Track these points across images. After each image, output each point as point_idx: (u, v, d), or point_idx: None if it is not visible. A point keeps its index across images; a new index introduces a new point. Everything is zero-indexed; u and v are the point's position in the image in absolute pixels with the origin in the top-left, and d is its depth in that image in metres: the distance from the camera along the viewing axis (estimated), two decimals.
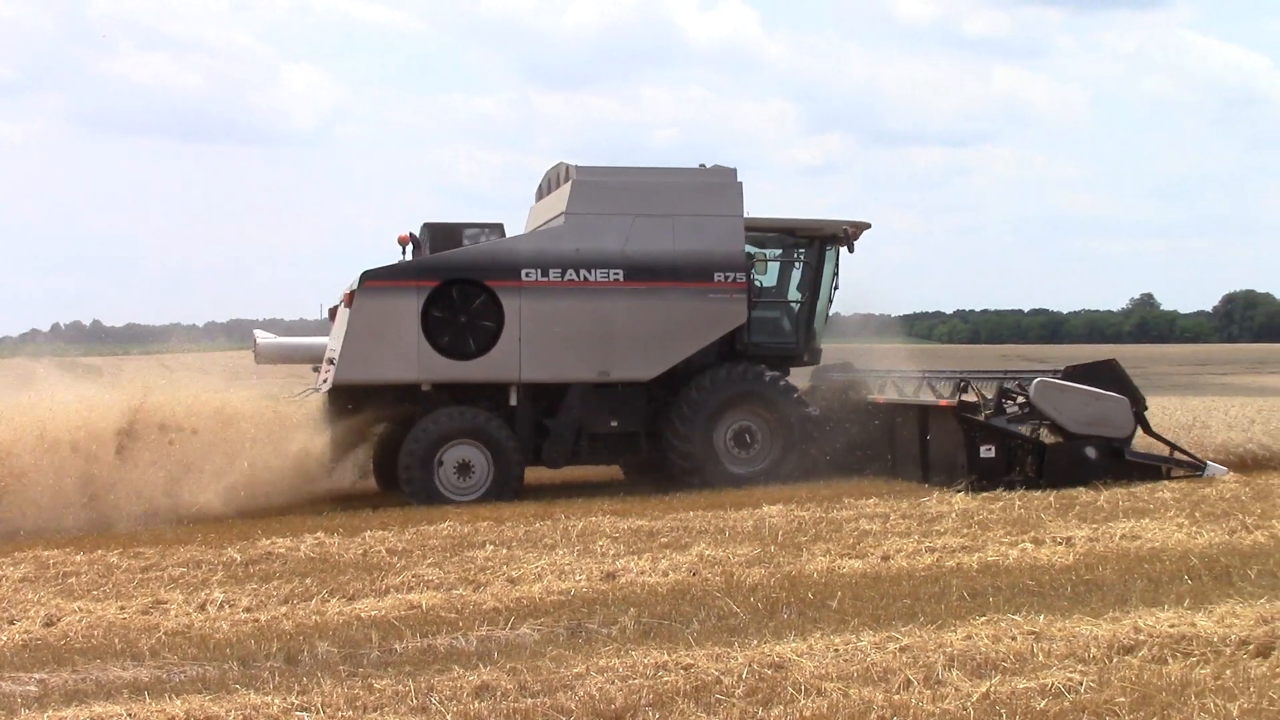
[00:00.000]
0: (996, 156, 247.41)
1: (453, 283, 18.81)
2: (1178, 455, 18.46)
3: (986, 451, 17.74)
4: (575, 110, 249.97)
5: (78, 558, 13.87)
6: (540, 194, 21.73)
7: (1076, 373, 18.42)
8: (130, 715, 7.92)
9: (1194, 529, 13.67)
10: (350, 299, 18.75)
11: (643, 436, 19.73)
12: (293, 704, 8.04)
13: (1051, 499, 16.17)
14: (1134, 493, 16.42)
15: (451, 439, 18.66)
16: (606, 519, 15.61)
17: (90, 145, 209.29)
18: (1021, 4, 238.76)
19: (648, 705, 7.83)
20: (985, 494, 16.77)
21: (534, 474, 19.83)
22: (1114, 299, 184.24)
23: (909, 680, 8.13)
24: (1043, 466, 17.76)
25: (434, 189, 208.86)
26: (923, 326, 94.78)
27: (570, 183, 19.41)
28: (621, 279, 19.22)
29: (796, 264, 21.07)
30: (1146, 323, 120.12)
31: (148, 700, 8.20)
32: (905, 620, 9.79)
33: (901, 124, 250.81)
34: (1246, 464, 19.03)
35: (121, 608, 11.30)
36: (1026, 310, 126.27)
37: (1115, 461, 17.87)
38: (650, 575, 12.10)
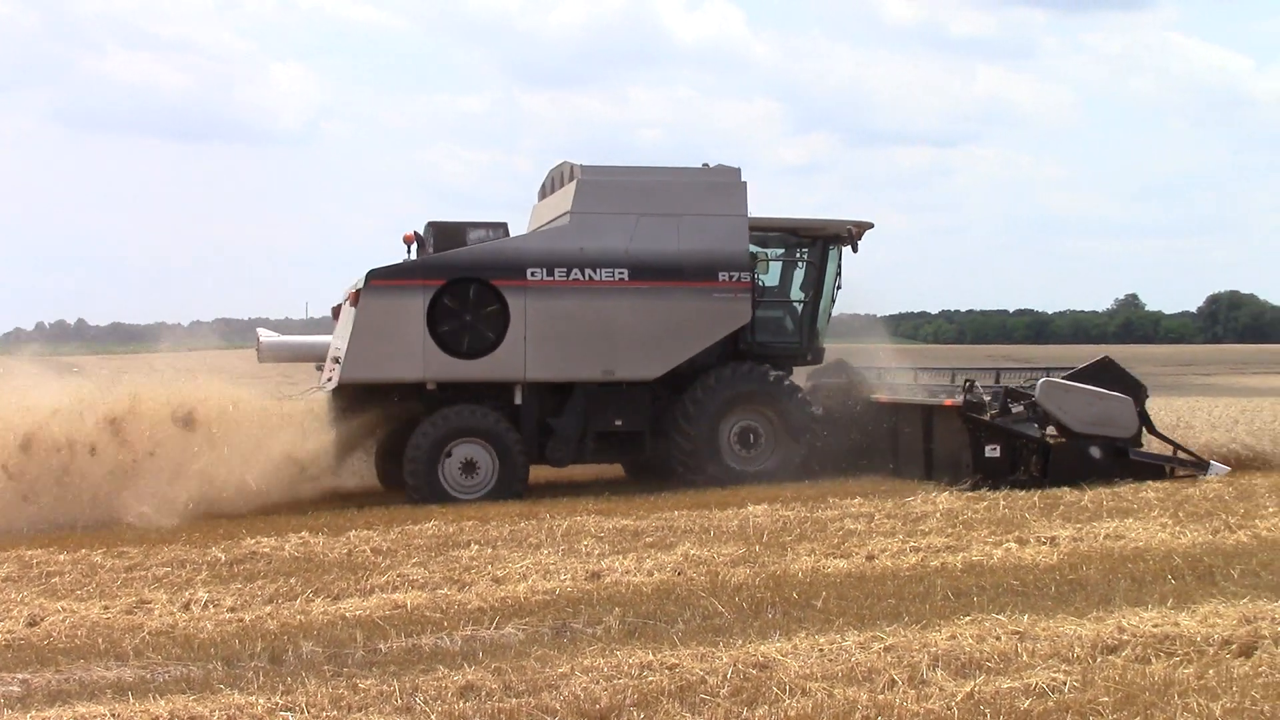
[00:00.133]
0: (982, 157, 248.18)
1: (458, 282, 18.85)
2: (1181, 455, 18.59)
3: (992, 451, 17.83)
4: (561, 110, 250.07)
5: (61, 557, 13.82)
6: (543, 193, 21.75)
7: (1081, 374, 18.54)
8: (114, 715, 7.90)
9: (1178, 529, 13.71)
10: (356, 298, 18.77)
11: (647, 435, 19.78)
12: (277, 704, 8.03)
13: (1036, 499, 16.20)
14: (1118, 493, 16.46)
15: (457, 437, 18.69)
16: (591, 518, 15.61)
17: (76, 144, 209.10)
18: (1007, 5, 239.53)
19: (632, 705, 7.83)
20: (971, 494, 16.81)
21: (536, 473, 19.82)
22: (1099, 299, 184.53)
23: (893, 680, 8.14)
24: (1047, 466, 17.87)
25: (420, 188, 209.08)
26: (908, 326, 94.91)
27: (575, 182, 19.46)
28: (626, 278, 19.28)
29: (799, 263, 21.16)
30: (1131, 323, 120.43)
31: (131, 700, 8.18)
32: (890, 620, 9.80)
33: (887, 124, 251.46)
34: (1230, 464, 19.09)
35: (105, 607, 11.26)
36: (1012, 311, 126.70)
37: (1119, 461, 17.97)
38: (635, 575, 12.10)
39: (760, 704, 7.79)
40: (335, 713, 7.89)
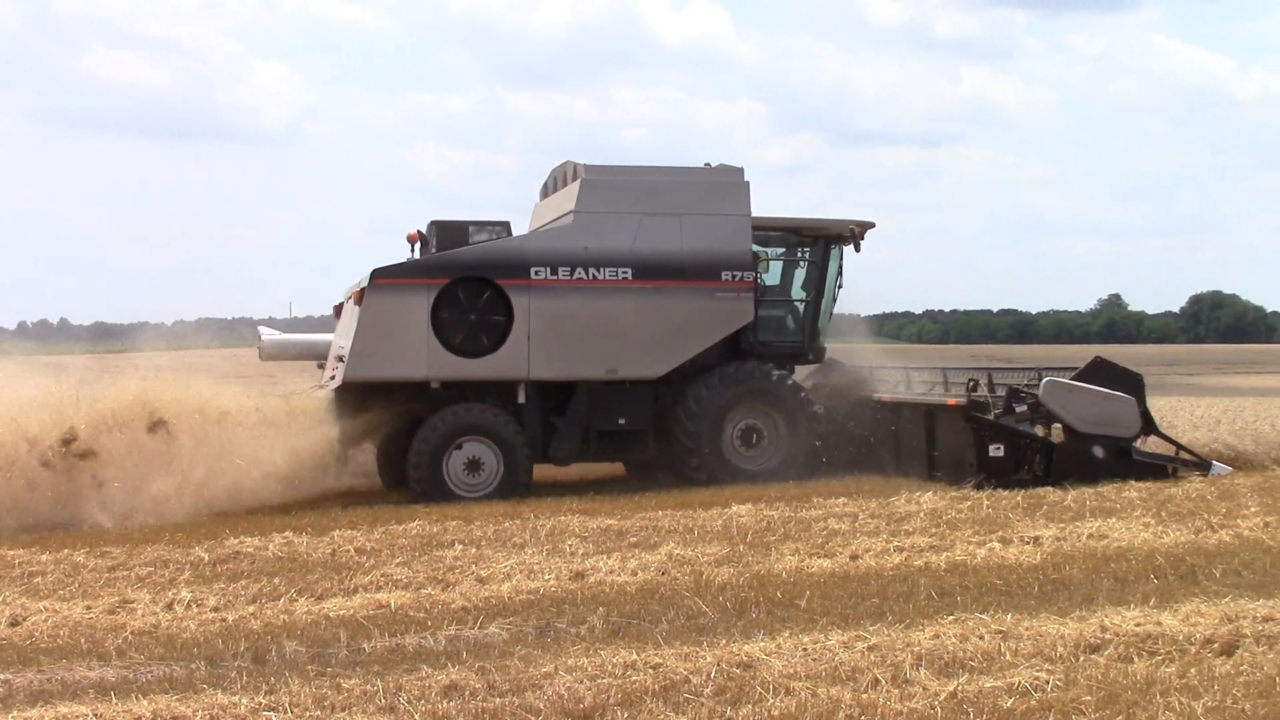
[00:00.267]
0: (965, 157, 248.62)
1: (462, 281, 18.89)
2: (1183, 455, 18.70)
3: (995, 450, 17.94)
4: (546, 109, 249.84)
5: (44, 557, 13.78)
6: (545, 192, 21.78)
7: (1084, 373, 18.63)
8: (96, 715, 7.87)
9: (1160, 528, 13.76)
10: (360, 296, 18.79)
11: (650, 434, 19.84)
12: (260, 704, 8.01)
13: (1019, 498, 16.25)
14: (1101, 492, 16.52)
15: (461, 436, 18.72)
16: (575, 518, 15.61)
17: (59, 143, 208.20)
18: (990, 6, 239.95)
19: (616, 705, 7.83)
20: (954, 493, 16.84)
21: (536, 472, 19.73)
22: (1082, 299, 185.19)
23: (877, 679, 8.15)
24: (1050, 465, 17.95)
25: (405, 187, 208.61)
26: (892, 326, 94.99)
27: (579, 181, 19.49)
28: (630, 278, 19.32)
29: (801, 263, 21.24)
30: (1114, 323, 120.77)
31: (114, 700, 8.16)
32: (873, 619, 9.82)
33: (871, 125, 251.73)
34: (1230, 464, 19.22)
35: (88, 607, 11.22)
36: (996, 311, 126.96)
37: (1122, 460, 18.06)
38: (619, 574, 12.10)
39: (744, 703, 7.79)
40: (318, 712, 7.88)
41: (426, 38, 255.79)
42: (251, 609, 11.06)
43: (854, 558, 12.69)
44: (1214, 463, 18.71)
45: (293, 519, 16.19)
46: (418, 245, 19.60)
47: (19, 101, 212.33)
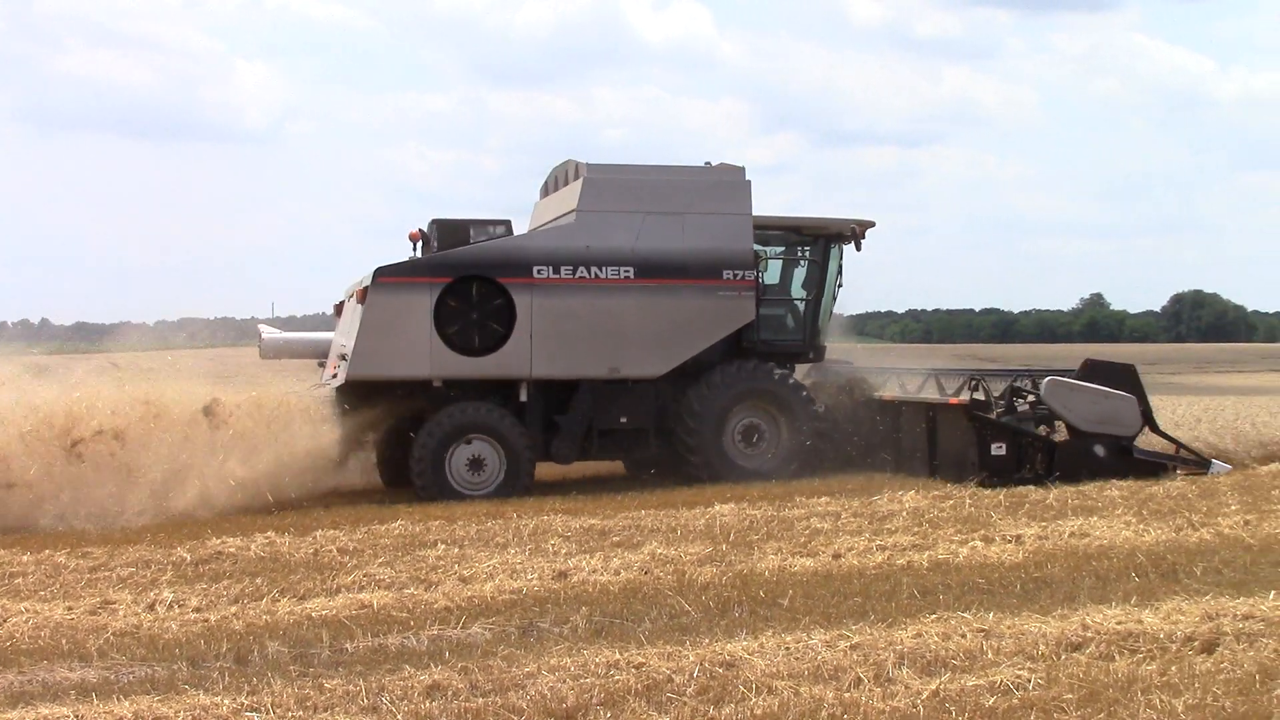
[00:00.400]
0: (947, 157, 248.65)
1: (465, 279, 18.93)
2: (1183, 454, 18.81)
3: (997, 449, 18.03)
4: (528, 109, 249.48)
5: (24, 557, 13.73)
6: (545, 191, 21.82)
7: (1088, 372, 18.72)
8: (77, 717, 7.85)
9: (1141, 527, 13.81)
10: (363, 295, 18.82)
11: (651, 432, 19.87)
12: (242, 704, 8.00)
13: (1001, 497, 16.30)
14: (1083, 491, 16.57)
15: (464, 435, 18.74)
16: (558, 518, 15.60)
17: (39, 142, 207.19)
18: (972, 5, 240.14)
19: (599, 704, 7.83)
20: (936, 492, 16.88)
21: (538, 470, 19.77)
22: (1064, 299, 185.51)
23: (859, 678, 8.16)
24: (1052, 464, 18.03)
25: (387, 187, 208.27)
26: (874, 326, 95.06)
27: (581, 180, 19.54)
28: (632, 276, 19.38)
29: (801, 262, 21.32)
30: (1096, 322, 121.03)
31: (95, 701, 8.14)
32: (856, 618, 9.84)
33: (853, 124, 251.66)
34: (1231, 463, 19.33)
35: (69, 608, 11.19)
36: (978, 310, 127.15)
37: (1123, 459, 18.15)
38: (602, 574, 12.10)
39: (727, 702, 7.80)
40: (301, 713, 7.87)
41: (409, 37, 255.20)
42: (234, 609, 11.04)
43: (837, 557, 12.71)
44: (1214, 461, 18.82)
45: (275, 519, 16.16)
46: (419, 244, 19.65)
47: (1, 101, 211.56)
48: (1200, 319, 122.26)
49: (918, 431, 19.53)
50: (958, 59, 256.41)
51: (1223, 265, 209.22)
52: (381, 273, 18.81)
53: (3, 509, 16.67)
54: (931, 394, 20.18)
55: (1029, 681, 8.00)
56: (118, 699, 8.15)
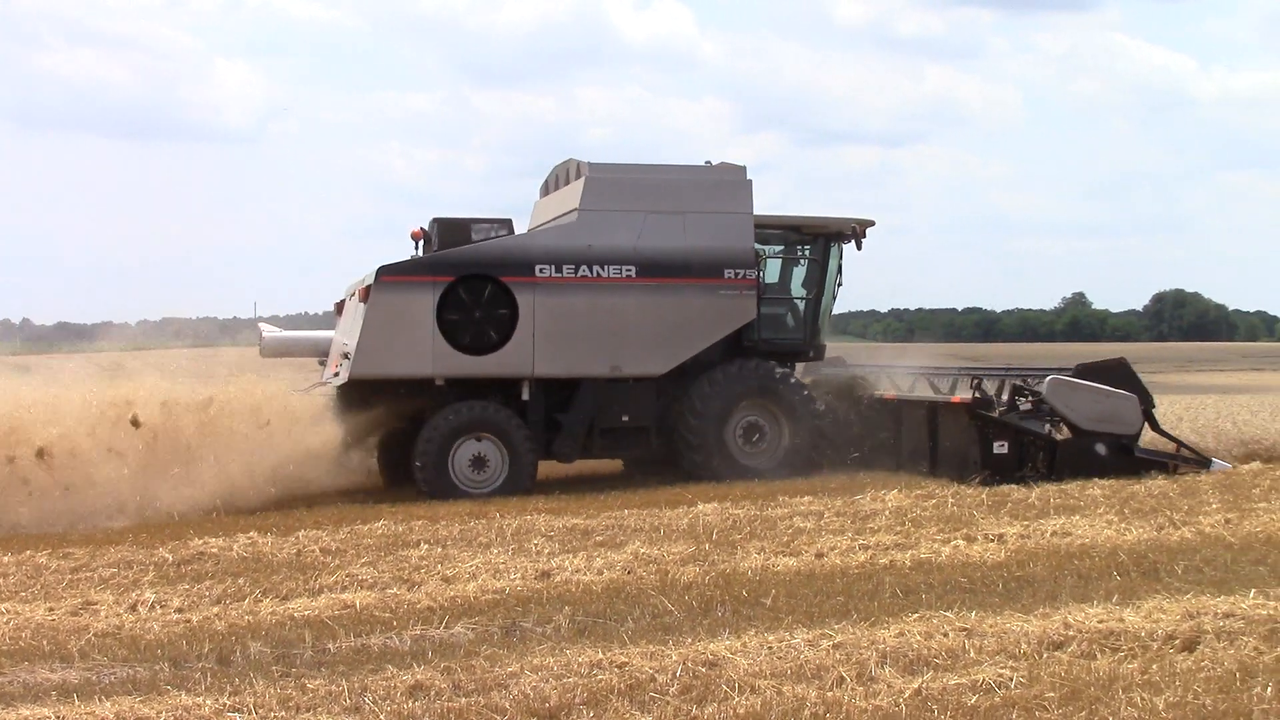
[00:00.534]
0: (930, 156, 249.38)
1: (467, 278, 18.95)
2: (1184, 452, 18.89)
3: (1000, 447, 18.09)
4: (511, 108, 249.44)
5: (6, 558, 13.68)
6: (546, 190, 21.84)
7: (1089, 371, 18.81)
8: (59, 718, 7.83)
9: (1123, 525, 13.85)
10: (365, 294, 18.83)
11: (652, 431, 19.90)
12: (225, 705, 7.99)
13: (984, 496, 16.34)
14: (1065, 490, 16.61)
15: (467, 433, 18.76)
16: (541, 518, 15.59)
17: (19, 141, 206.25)
18: (955, 5, 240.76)
19: (582, 704, 7.83)
20: (919, 491, 16.91)
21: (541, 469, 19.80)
22: (1046, 298, 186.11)
23: (842, 677, 8.17)
24: (1054, 462, 18.09)
25: (370, 186, 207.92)
26: (857, 325, 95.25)
27: (583, 179, 19.59)
28: (633, 275, 19.42)
29: (802, 261, 21.37)
30: (1078, 321, 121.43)
31: (77, 703, 8.11)
32: (838, 617, 9.86)
33: (836, 124, 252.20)
34: (1230, 461, 19.40)
35: (50, 609, 11.15)
36: (960, 309, 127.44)
37: (1125, 458, 18.21)
38: (585, 574, 12.10)
39: (709, 702, 7.81)
40: (283, 713, 7.85)
41: (391, 36, 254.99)
42: (216, 610, 11.01)
43: (819, 556, 12.72)
44: (1214, 459, 18.90)
45: (257, 519, 16.13)
46: (421, 243, 19.66)
47: None
48: (1182, 318, 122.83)
49: (919, 430, 19.58)
50: (940, 58, 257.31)
51: (1204, 264, 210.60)
52: (384, 271, 18.83)
53: None
54: (925, 393, 20.23)
55: (1011, 680, 8.02)
56: (99, 700, 8.13)
